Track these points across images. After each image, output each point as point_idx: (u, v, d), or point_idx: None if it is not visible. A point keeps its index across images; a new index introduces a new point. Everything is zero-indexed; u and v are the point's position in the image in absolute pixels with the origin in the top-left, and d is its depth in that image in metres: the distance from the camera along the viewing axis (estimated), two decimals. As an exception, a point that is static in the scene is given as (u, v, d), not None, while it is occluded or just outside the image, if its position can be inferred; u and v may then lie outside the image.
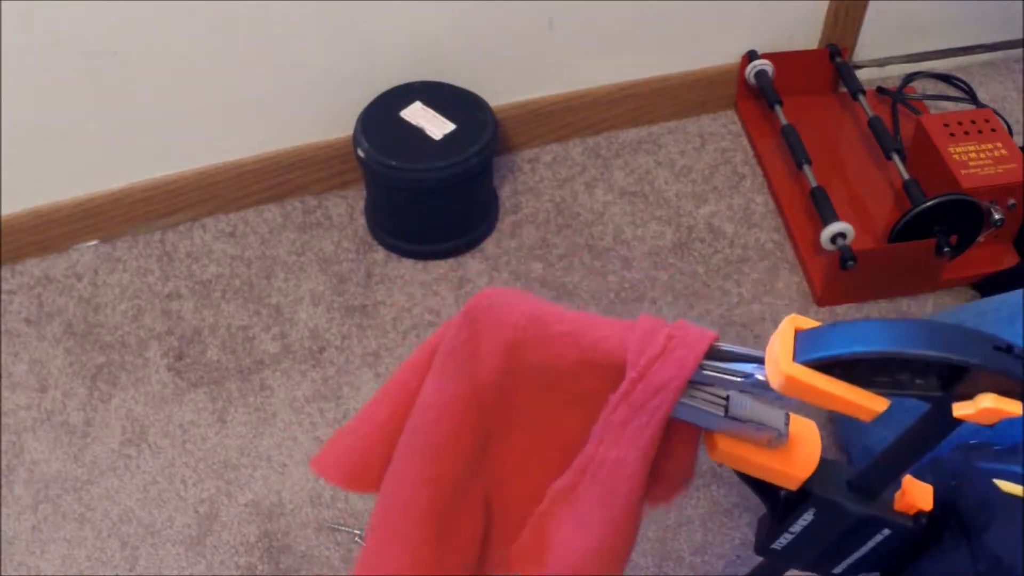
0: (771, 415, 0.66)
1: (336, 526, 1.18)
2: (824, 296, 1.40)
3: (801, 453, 0.69)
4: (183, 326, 1.38)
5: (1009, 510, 0.76)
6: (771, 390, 0.60)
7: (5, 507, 1.20)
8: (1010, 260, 1.43)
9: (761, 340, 1.36)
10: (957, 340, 0.56)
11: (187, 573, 1.15)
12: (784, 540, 0.77)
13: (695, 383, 0.65)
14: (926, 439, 0.65)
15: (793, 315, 0.62)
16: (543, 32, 1.49)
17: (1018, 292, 1.08)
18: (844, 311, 1.40)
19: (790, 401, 0.62)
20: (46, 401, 1.30)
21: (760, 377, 0.62)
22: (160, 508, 1.20)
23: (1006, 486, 0.78)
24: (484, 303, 0.69)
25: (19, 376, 1.33)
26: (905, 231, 1.35)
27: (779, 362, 0.58)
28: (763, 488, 0.74)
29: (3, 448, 1.26)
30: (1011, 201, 1.38)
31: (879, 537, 0.74)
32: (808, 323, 0.61)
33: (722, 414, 0.65)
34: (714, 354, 0.65)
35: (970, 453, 0.86)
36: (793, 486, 0.70)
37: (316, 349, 1.35)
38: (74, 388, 1.32)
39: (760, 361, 0.62)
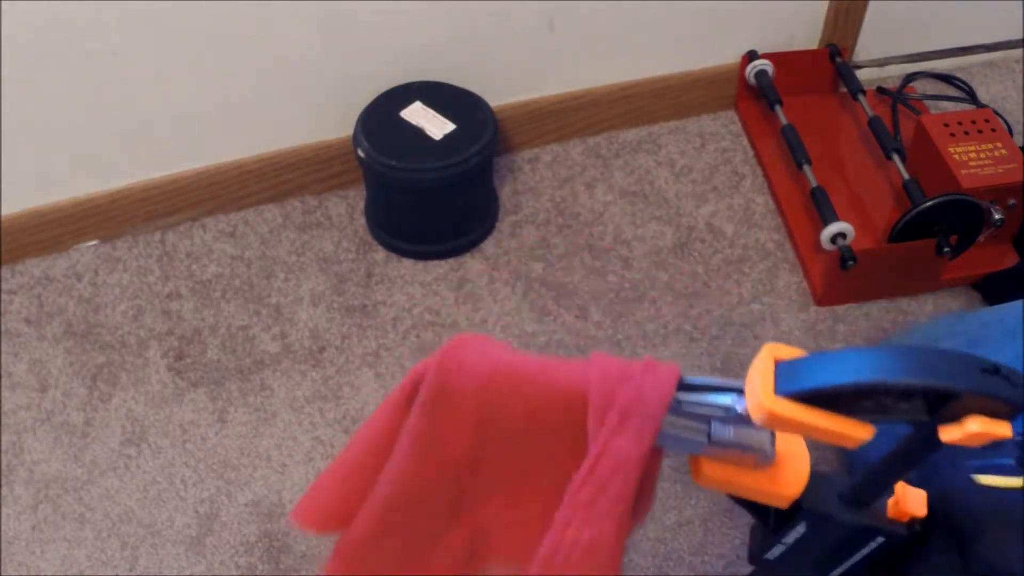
0: (755, 437, 0.65)
1: (336, 526, 1.18)
2: (824, 296, 1.40)
3: (790, 471, 0.67)
4: (183, 326, 1.38)
5: (1000, 517, 0.75)
6: (753, 423, 0.59)
7: (5, 507, 1.20)
8: (1010, 260, 1.43)
9: (761, 340, 1.36)
10: (942, 365, 0.55)
11: (187, 573, 1.15)
12: (777, 551, 0.76)
13: (676, 412, 0.63)
14: (912, 458, 0.64)
15: (771, 344, 0.60)
16: (543, 32, 1.49)
17: (1015, 306, 1.07)
18: (844, 311, 1.40)
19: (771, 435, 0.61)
20: (46, 401, 1.30)
21: (740, 410, 0.61)
22: (160, 508, 1.20)
23: (987, 479, 0.77)
24: (443, 373, 0.66)
25: (19, 376, 1.33)
26: (905, 231, 1.35)
27: (760, 397, 0.57)
28: (754, 506, 0.73)
29: (3, 448, 1.26)
30: (1011, 201, 1.38)
31: (872, 545, 0.73)
32: (788, 352, 0.59)
33: (705, 440, 0.64)
34: (691, 387, 0.63)
35: (957, 451, 0.86)
36: (784, 505, 0.69)
37: (316, 349, 1.35)
38: (74, 388, 1.32)
39: (739, 391, 0.61)
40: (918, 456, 0.63)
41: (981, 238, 1.40)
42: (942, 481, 0.82)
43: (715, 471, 0.65)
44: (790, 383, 0.57)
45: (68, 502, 1.21)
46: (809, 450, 0.70)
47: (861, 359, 0.56)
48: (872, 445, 0.78)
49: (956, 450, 0.84)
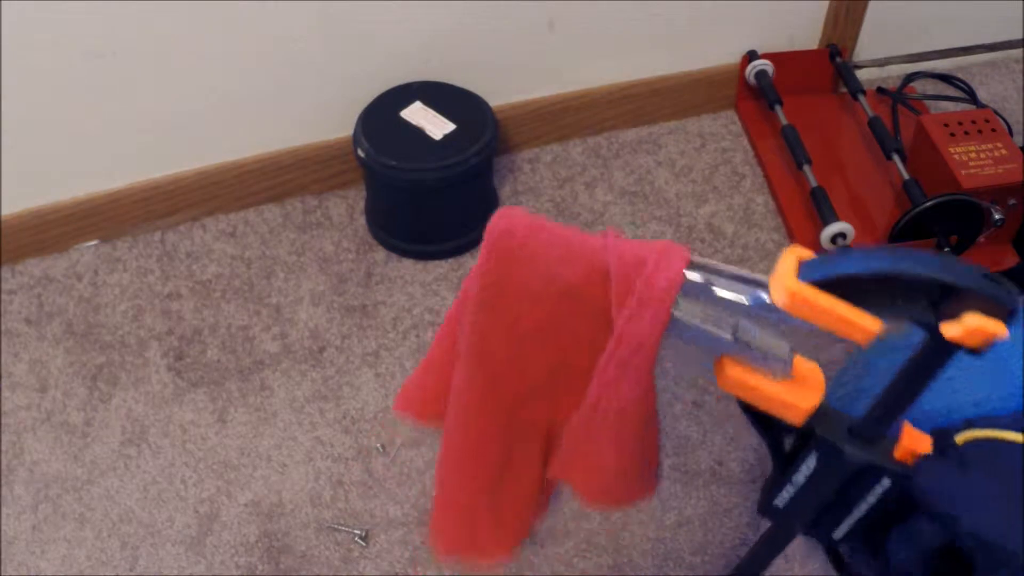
0: (777, 345, 0.69)
1: (336, 526, 1.18)
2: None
3: (806, 388, 0.72)
4: (183, 326, 1.38)
5: (983, 480, 0.77)
6: (776, 311, 0.64)
7: (5, 507, 1.20)
8: (1010, 260, 1.43)
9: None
10: (950, 265, 0.61)
11: (187, 573, 1.15)
12: (787, 494, 0.80)
13: (706, 303, 0.67)
14: (921, 371, 0.68)
15: (795, 245, 0.65)
16: (543, 32, 1.49)
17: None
18: (844, 311, 1.40)
19: (793, 322, 0.65)
20: (46, 401, 1.30)
21: (766, 299, 0.65)
22: (160, 508, 1.20)
23: (987, 432, 0.80)
24: (493, 234, 0.74)
25: (19, 376, 1.33)
26: (905, 231, 1.35)
27: (784, 279, 0.62)
28: (768, 429, 0.77)
29: (3, 448, 1.26)
30: (1011, 201, 1.38)
31: (879, 490, 0.76)
32: (810, 254, 0.65)
33: (730, 336, 0.68)
34: (724, 274, 0.67)
35: (973, 424, 0.87)
36: (798, 419, 0.72)
37: (316, 349, 1.35)
38: (74, 388, 1.32)
39: (766, 285, 0.66)
40: (927, 367, 0.67)
41: (981, 238, 1.40)
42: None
43: (738, 372, 0.70)
44: (812, 272, 0.63)
45: (68, 502, 1.21)
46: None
47: (876, 255, 0.62)
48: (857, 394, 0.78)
49: (973, 423, 0.85)
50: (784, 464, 0.79)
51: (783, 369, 0.70)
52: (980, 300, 0.60)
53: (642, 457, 0.79)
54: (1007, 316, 0.60)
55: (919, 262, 0.61)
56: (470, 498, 0.85)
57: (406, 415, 0.87)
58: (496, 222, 0.74)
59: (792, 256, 0.64)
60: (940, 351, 0.64)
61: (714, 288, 0.67)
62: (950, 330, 0.61)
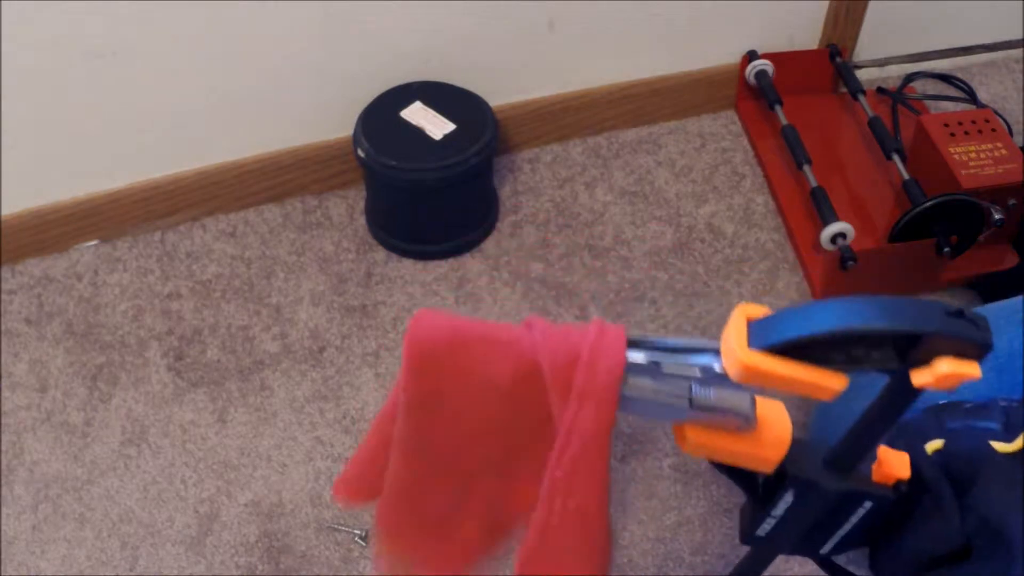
0: (736, 400, 0.66)
1: (336, 526, 1.18)
2: (824, 296, 1.40)
3: (772, 434, 0.68)
4: (183, 326, 1.38)
5: (994, 469, 0.76)
6: (731, 382, 0.60)
7: (5, 507, 1.20)
8: (1010, 260, 1.43)
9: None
10: (908, 310, 0.56)
11: (187, 573, 1.15)
12: (768, 526, 0.77)
13: (655, 379, 0.64)
14: (891, 410, 0.65)
15: (743, 304, 0.61)
16: (543, 32, 1.49)
17: (1012, 301, 1.07)
18: (844, 311, 1.40)
19: (752, 388, 0.62)
20: (46, 401, 1.30)
21: (718, 369, 0.62)
22: (160, 508, 1.20)
23: (1000, 446, 0.78)
24: (412, 347, 0.67)
25: (19, 376, 1.33)
26: (905, 231, 1.35)
27: (736, 351, 0.58)
28: (740, 475, 0.74)
29: (3, 448, 1.26)
30: (1011, 201, 1.38)
31: (861, 511, 0.74)
32: (759, 310, 0.61)
33: (686, 405, 0.64)
34: (669, 349, 0.64)
35: (941, 414, 0.86)
36: (769, 469, 0.70)
37: (316, 349, 1.35)
38: (74, 388, 1.32)
39: (716, 351, 0.62)
40: (897, 406, 0.64)
41: (981, 238, 1.40)
42: (924, 437, 0.83)
43: (700, 436, 0.67)
44: (763, 337, 0.58)
45: (68, 502, 1.21)
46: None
47: (829, 309, 0.57)
48: (843, 414, 0.79)
49: (940, 410, 0.84)
50: (760, 500, 0.76)
51: (746, 421, 0.66)
52: (949, 341, 0.56)
53: (605, 555, 0.74)
54: (980, 354, 0.56)
55: (876, 313, 0.56)
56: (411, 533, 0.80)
57: (343, 499, 0.81)
58: (414, 333, 0.66)
59: (742, 320, 0.60)
60: (909, 393, 0.61)
61: (661, 366, 0.63)
62: (920, 378, 0.57)
